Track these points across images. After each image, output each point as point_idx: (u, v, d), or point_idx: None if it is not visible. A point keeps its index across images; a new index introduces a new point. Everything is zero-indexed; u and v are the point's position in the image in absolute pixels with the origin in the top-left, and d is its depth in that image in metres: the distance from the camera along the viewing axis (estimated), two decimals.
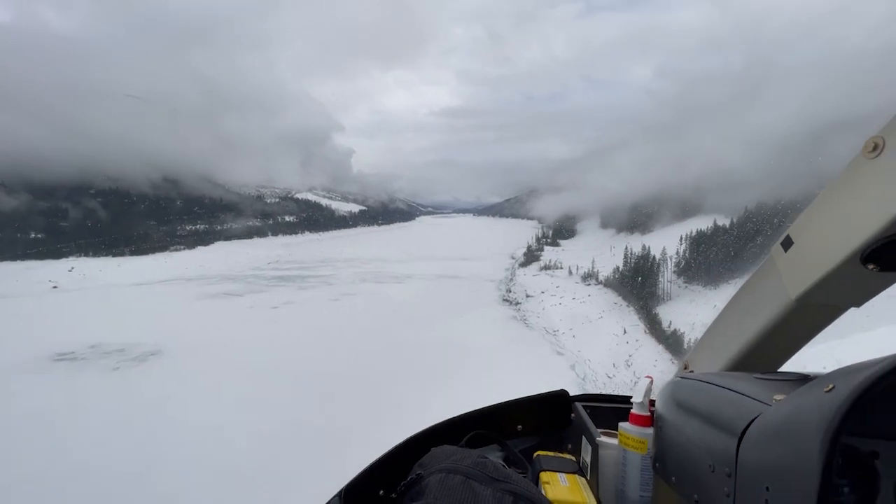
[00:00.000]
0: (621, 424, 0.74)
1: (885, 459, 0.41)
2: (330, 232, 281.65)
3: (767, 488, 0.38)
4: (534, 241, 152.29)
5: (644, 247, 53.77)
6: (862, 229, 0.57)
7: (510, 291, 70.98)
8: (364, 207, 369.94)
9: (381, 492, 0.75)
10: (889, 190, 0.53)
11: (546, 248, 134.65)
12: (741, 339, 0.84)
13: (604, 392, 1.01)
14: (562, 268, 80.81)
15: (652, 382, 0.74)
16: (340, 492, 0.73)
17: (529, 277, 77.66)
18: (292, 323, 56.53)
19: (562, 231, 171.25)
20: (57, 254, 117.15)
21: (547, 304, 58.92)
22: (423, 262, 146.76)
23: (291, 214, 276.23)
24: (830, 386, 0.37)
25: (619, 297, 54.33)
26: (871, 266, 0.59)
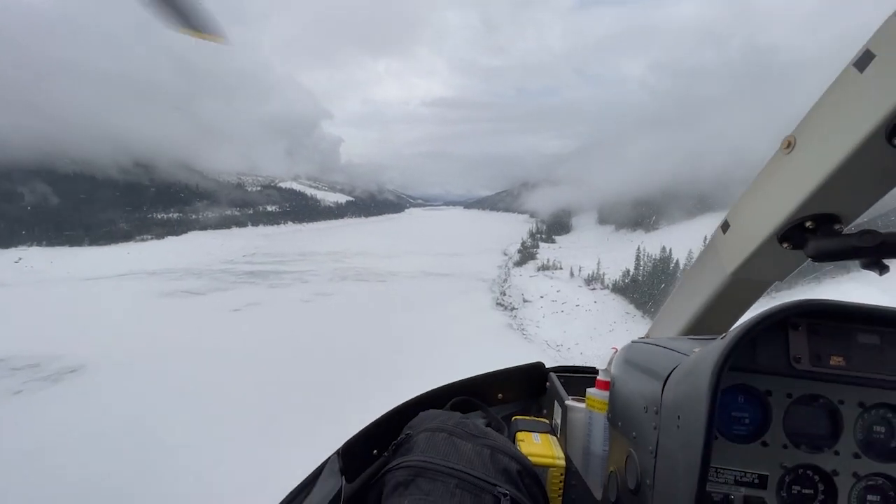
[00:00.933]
0: (588, 390, 0.83)
1: (776, 395, 0.51)
2: (315, 223, 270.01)
3: (679, 417, 0.48)
4: (527, 236, 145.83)
5: (664, 248, 46.72)
6: (777, 214, 0.73)
7: (505, 294, 63.60)
8: (352, 198, 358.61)
9: (375, 451, 0.83)
10: (797, 181, 0.69)
11: (541, 244, 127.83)
12: (691, 310, 1.00)
13: (577, 364, 1.14)
14: (561, 268, 73.58)
15: (616, 353, 0.82)
16: (339, 450, 0.81)
17: (526, 279, 70.47)
18: (253, 330, 48.47)
19: (557, 226, 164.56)
20: (6, 242, 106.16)
21: (547, 311, 51.78)
22: (411, 257, 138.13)
23: (274, 204, 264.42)
24: (724, 335, 0.48)
25: (632, 306, 47.44)
26: (785, 245, 0.75)
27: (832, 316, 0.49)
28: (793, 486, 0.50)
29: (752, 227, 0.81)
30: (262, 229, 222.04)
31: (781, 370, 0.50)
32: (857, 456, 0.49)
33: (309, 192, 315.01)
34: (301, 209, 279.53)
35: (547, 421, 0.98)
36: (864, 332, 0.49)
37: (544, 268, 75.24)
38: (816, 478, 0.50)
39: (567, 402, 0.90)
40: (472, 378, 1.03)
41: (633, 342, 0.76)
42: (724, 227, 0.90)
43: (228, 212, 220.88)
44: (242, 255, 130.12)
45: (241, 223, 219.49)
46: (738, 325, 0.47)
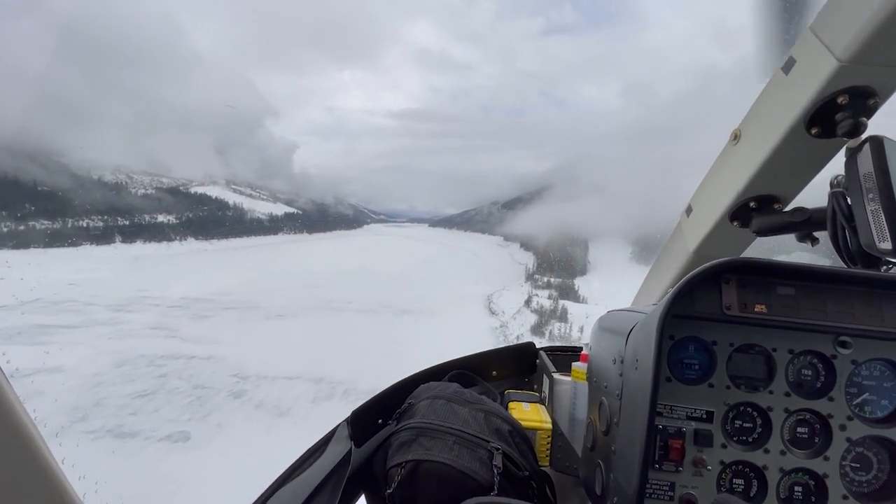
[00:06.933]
0: (574, 363, 0.94)
1: (720, 344, 0.61)
2: (232, 239, 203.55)
3: (636, 360, 0.58)
4: (525, 279, 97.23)
5: None
6: (728, 196, 0.88)
7: None
8: (294, 210, 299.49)
9: (380, 421, 0.93)
10: (742, 167, 0.84)
11: (565, 303, 79.55)
12: (661, 285, 1.20)
13: (567, 345, 1.24)
14: None
15: (594, 323, 0.88)
16: (348, 418, 0.92)
17: None
18: None
19: (564, 264, 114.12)
20: None
21: None
22: (333, 315, 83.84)
23: (169, 213, 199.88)
24: (668, 291, 0.58)
25: None
26: (735, 223, 0.90)
27: (756, 271, 0.59)
28: (735, 420, 0.60)
29: (709, 209, 0.95)
30: (138, 248, 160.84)
31: (715, 316, 0.59)
32: (787, 395, 0.60)
33: (233, 199, 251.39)
34: (211, 221, 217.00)
35: (536, 394, 1.10)
36: (782, 285, 0.59)
37: None
38: (754, 413, 0.60)
39: (554, 375, 1.02)
40: (468, 357, 1.14)
41: (608, 312, 0.83)
42: (688, 211, 1.05)
43: (85, 222, 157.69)
44: (5, 303, 72.45)
45: (103, 239, 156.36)
46: (681, 280, 0.56)
